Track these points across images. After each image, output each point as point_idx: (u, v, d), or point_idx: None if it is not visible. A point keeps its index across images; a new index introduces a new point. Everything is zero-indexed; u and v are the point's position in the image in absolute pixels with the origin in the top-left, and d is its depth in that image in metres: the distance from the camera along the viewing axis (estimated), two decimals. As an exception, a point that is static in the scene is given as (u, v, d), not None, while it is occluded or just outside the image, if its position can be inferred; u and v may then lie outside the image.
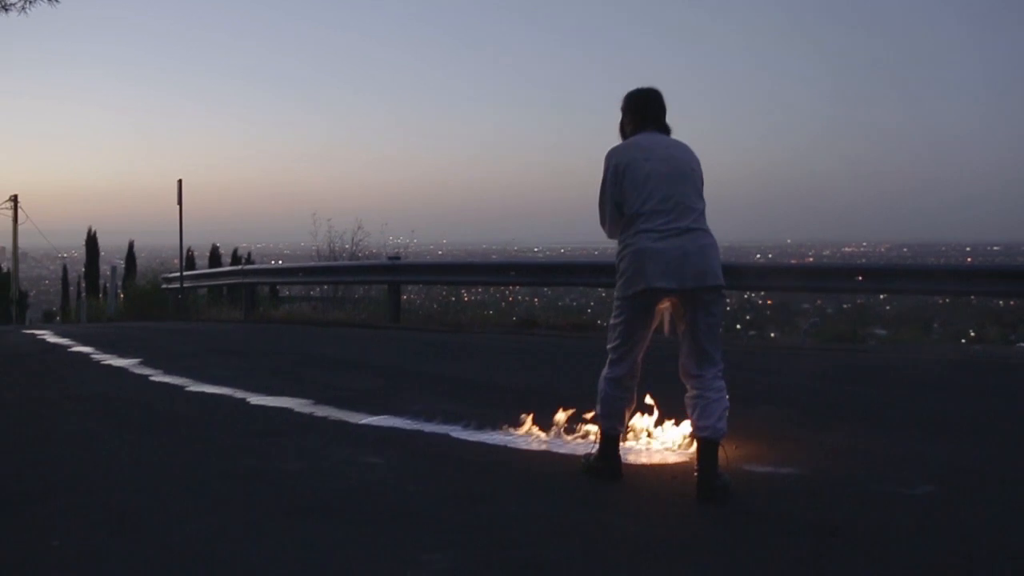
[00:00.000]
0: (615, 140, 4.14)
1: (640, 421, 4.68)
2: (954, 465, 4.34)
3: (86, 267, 33.38)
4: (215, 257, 32.06)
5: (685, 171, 3.93)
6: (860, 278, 10.38)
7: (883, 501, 3.73)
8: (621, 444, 4.20)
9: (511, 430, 5.06)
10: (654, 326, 4.02)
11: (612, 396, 4.05)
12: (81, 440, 5.28)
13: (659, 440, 4.66)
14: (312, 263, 16.28)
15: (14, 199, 33.45)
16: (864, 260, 20.72)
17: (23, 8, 10.35)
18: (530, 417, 5.10)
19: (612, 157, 4.01)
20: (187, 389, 6.95)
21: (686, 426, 4.38)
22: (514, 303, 15.34)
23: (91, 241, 33.67)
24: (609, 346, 4.06)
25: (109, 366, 8.59)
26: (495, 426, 5.15)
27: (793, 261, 15.06)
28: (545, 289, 15.53)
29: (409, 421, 5.45)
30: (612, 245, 4.09)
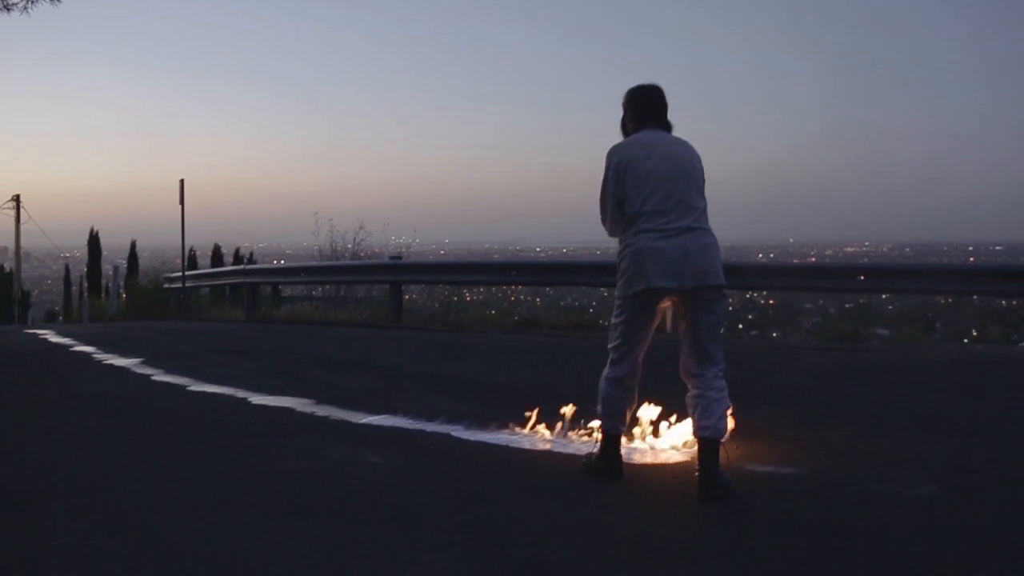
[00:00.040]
0: (616, 139, 4.13)
1: (642, 418, 4.67)
2: (955, 465, 4.33)
3: (88, 267, 33.44)
4: (217, 257, 32.08)
5: (686, 169, 3.92)
6: (862, 277, 10.37)
7: (884, 501, 3.72)
8: (622, 444, 4.19)
9: (512, 430, 5.06)
10: (655, 325, 4.01)
11: (613, 396, 4.05)
12: (82, 440, 5.28)
13: (660, 440, 4.65)
14: (314, 263, 16.29)
15: (16, 199, 33.51)
16: (866, 260, 20.71)
17: (25, 8, 10.36)
18: (531, 417, 5.10)
19: (613, 155, 4.00)
20: (188, 389, 6.95)
21: (687, 425, 4.37)
22: (516, 303, 15.34)
23: (93, 241, 33.73)
24: (610, 345, 4.06)
25: (111, 366, 8.60)
26: (496, 426, 5.15)
27: (795, 261, 15.06)
28: (547, 289, 15.53)
29: (410, 421, 5.44)
30: (614, 244, 4.09)
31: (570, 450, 4.61)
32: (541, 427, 5.00)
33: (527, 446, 4.76)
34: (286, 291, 17.72)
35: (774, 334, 12.35)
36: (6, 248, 37.48)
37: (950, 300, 12.13)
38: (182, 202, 16.43)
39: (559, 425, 4.94)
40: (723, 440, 3.86)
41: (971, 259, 19.75)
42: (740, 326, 13.34)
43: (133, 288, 20.68)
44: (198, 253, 31.12)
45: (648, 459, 4.42)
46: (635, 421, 4.50)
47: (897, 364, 7.90)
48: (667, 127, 4.08)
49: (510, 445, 4.80)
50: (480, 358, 8.77)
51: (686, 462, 4.26)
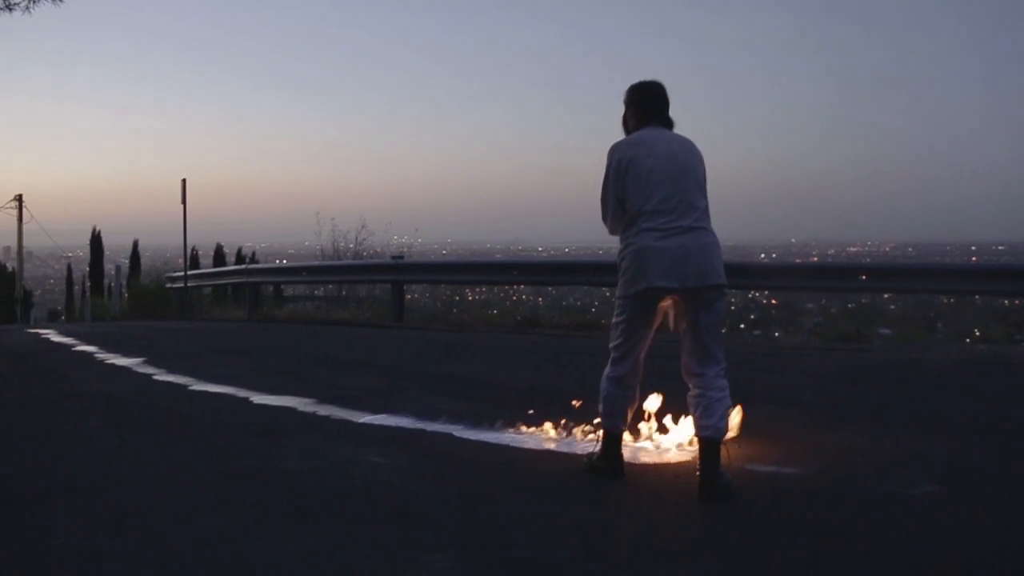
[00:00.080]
0: (618, 136, 4.11)
1: (648, 409, 4.65)
2: (955, 465, 4.32)
3: (90, 266, 33.48)
4: (219, 256, 32.12)
5: (688, 168, 3.91)
6: (864, 277, 10.35)
7: (884, 501, 3.72)
8: (628, 440, 4.18)
9: (514, 429, 5.05)
10: (656, 324, 4.01)
11: (614, 395, 4.04)
12: (82, 439, 5.28)
13: (661, 439, 4.65)
14: (316, 262, 16.29)
15: (19, 198, 33.55)
16: (868, 259, 20.68)
17: (27, 8, 10.37)
18: (533, 416, 5.09)
19: (615, 153, 3.99)
20: (190, 388, 6.96)
21: (689, 425, 4.37)
22: (518, 302, 15.30)
23: (95, 240, 33.77)
24: (611, 344, 4.05)
25: (112, 365, 8.60)
26: (498, 425, 5.14)
27: (797, 260, 15.02)
28: (549, 288, 15.50)
29: (412, 420, 5.44)
30: (615, 244, 4.07)
31: (571, 450, 4.60)
32: (547, 425, 5.00)
33: (529, 446, 4.76)
34: (288, 291, 17.73)
35: (776, 334, 12.31)
36: (8, 248, 37.55)
37: (952, 300, 12.09)
38: (184, 202, 16.45)
39: (563, 421, 4.94)
40: (729, 438, 3.86)
41: (974, 259, 19.72)
42: (742, 326, 13.31)
43: (135, 288, 20.71)
44: (200, 253, 31.14)
45: (649, 459, 4.41)
46: (641, 412, 4.49)
47: (899, 364, 7.89)
48: (669, 124, 4.07)
49: (512, 445, 4.79)
50: (482, 358, 8.77)
51: (687, 462, 4.26)
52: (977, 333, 11.13)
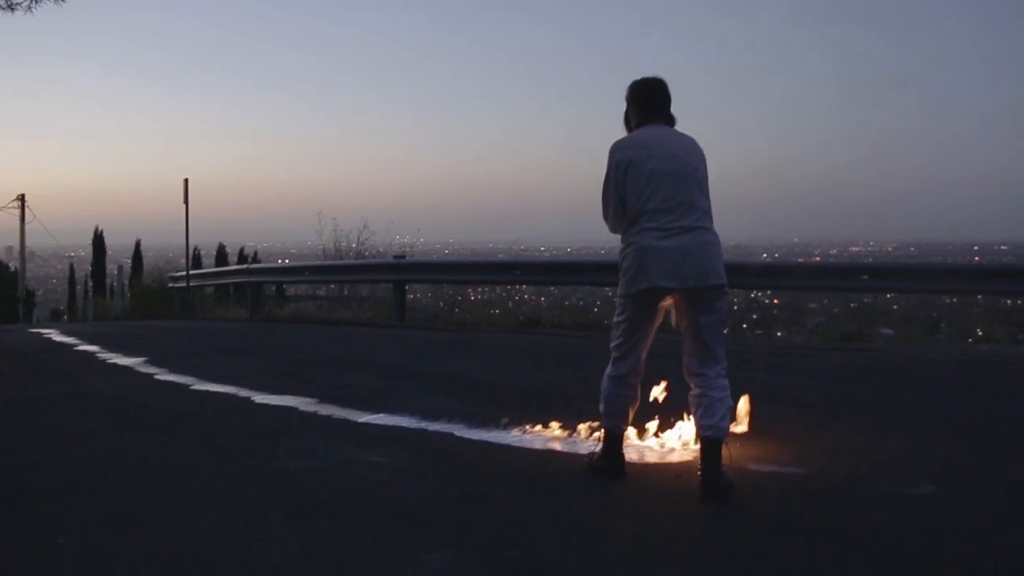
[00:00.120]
0: (620, 136, 4.09)
1: (655, 394, 4.65)
2: (954, 465, 4.31)
3: (93, 266, 33.55)
4: (221, 256, 32.17)
5: (689, 168, 3.89)
6: (866, 277, 10.34)
7: (884, 501, 3.71)
8: (633, 437, 4.17)
9: (515, 429, 5.05)
10: (657, 324, 4.00)
11: (615, 394, 4.03)
12: (83, 439, 5.28)
13: (663, 439, 4.64)
14: (318, 262, 16.30)
15: (21, 198, 33.58)
16: (871, 259, 20.65)
17: (29, 7, 10.37)
18: (535, 416, 5.08)
19: (615, 153, 3.98)
20: (191, 388, 6.96)
21: (690, 425, 4.36)
22: (520, 302, 15.30)
23: (98, 240, 33.83)
24: (612, 344, 4.05)
25: (114, 365, 8.61)
26: (499, 425, 5.14)
27: (800, 260, 15.00)
28: (551, 288, 15.50)
29: (413, 420, 5.44)
30: (617, 244, 4.06)
31: (573, 449, 4.60)
32: (548, 424, 5.00)
33: (529, 446, 4.75)
34: (290, 290, 17.73)
35: (778, 334, 12.29)
36: (11, 248, 37.58)
37: (955, 300, 12.08)
38: (186, 201, 16.46)
39: (565, 421, 4.93)
40: (738, 429, 3.85)
41: (976, 259, 19.69)
42: (744, 326, 13.29)
43: (137, 287, 20.74)
44: (202, 252, 31.19)
45: (650, 458, 4.40)
46: (648, 397, 4.47)
47: (902, 364, 7.88)
48: (670, 121, 4.05)
49: (513, 445, 4.79)
50: (484, 357, 8.77)
51: (688, 462, 4.25)
52: (980, 333, 11.11)
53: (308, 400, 6.18)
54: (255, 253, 32.78)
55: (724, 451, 3.79)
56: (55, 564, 3.14)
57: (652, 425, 4.68)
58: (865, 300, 12.70)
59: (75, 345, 10.74)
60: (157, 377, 7.57)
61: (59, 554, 3.23)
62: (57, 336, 12.41)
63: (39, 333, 13.50)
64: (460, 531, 3.40)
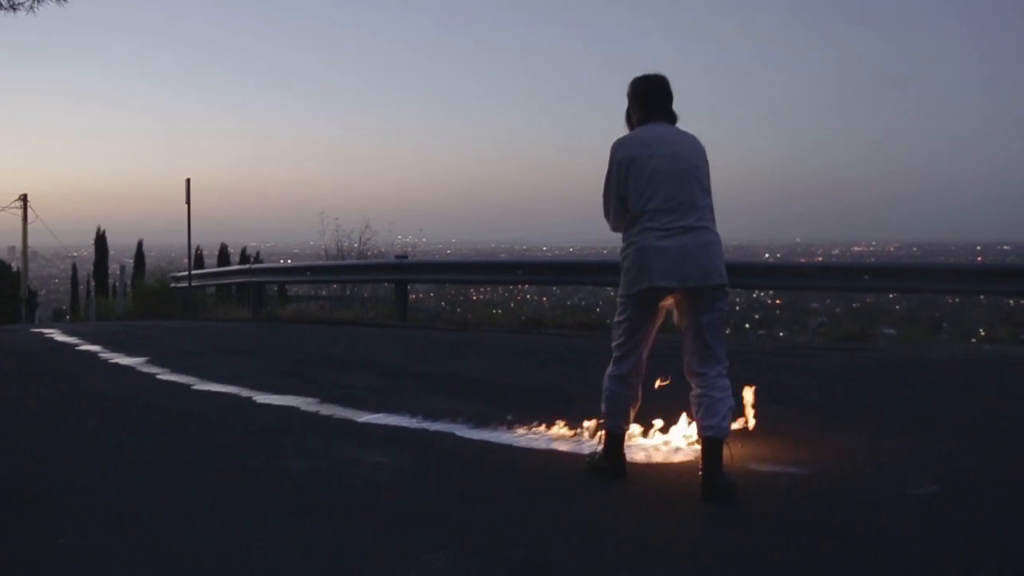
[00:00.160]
0: (621, 134, 4.07)
1: (659, 382, 4.64)
2: (956, 465, 4.30)
3: (95, 266, 33.57)
4: (224, 256, 32.18)
5: (690, 167, 3.88)
6: (868, 277, 10.32)
7: (885, 501, 3.70)
8: (635, 437, 4.16)
9: (516, 429, 5.04)
10: (658, 323, 3.99)
11: (616, 394, 4.02)
12: (83, 439, 5.28)
13: (664, 439, 4.63)
14: (320, 262, 16.31)
15: (24, 198, 33.60)
16: (873, 259, 20.62)
17: (31, 7, 10.38)
18: (536, 416, 5.07)
19: (616, 151, 3.96)
20: (193, 388, 6.95)
21: (690, 425, 4.35)
22: (522, 302, 15.30)
23: (100, 240, 33.86)
24: (614, 343, 4.04)
25: (116, 365, 8.61)
26: (500, 425, 5.13)
27: (802, 260, 14.98)
28: (553, 288, 15.50)
29: (414, 420, 5.43)
30: (620, 244, 4.05)
31: (574, 449, 4.59)
32: (550, 424, 4.99)
33: (531, 445, 4.74)
34: (292, 290, 17.74)
35: (780, 333, 12.28)
36: (14, 247, 37.61)
37: (957, 300, 12.06)
38: (188, 201, 16.47)
39: (566, 421, 4.92)
40: (743, 423, 3.83)
41: (979, 259, 19.66)
42: (747, 325, 13.28)
43: (140, 287, 20.76)
44: (205, 252, 31.23)
45: (652, 458, 4.40)
46: (655, 386, 4.45)
47: (904, 364, 7.87)
48: (672, 118, 4.03)
49: (514, 444, 4.78)
50: (486, 357, 8.76)
51: (690, 461, 4.24)
52: (982, 333, 11.09)
53: (310, 400, 6.18)
54: (257, 253, 32.80)
55: (725, 451, 3.78)
56: (54, 564, 3.14)
57: (653, 425, 4.67)
58: (867, 300, 12.69)
59: (77, 345, 10.74)
60: (159, 377, 7.57)
61: (58, 554, 3.23)
62: (59, 336, 12.42)
63: (41, 333, 13.51)
64: (461, 531, 3.39)
